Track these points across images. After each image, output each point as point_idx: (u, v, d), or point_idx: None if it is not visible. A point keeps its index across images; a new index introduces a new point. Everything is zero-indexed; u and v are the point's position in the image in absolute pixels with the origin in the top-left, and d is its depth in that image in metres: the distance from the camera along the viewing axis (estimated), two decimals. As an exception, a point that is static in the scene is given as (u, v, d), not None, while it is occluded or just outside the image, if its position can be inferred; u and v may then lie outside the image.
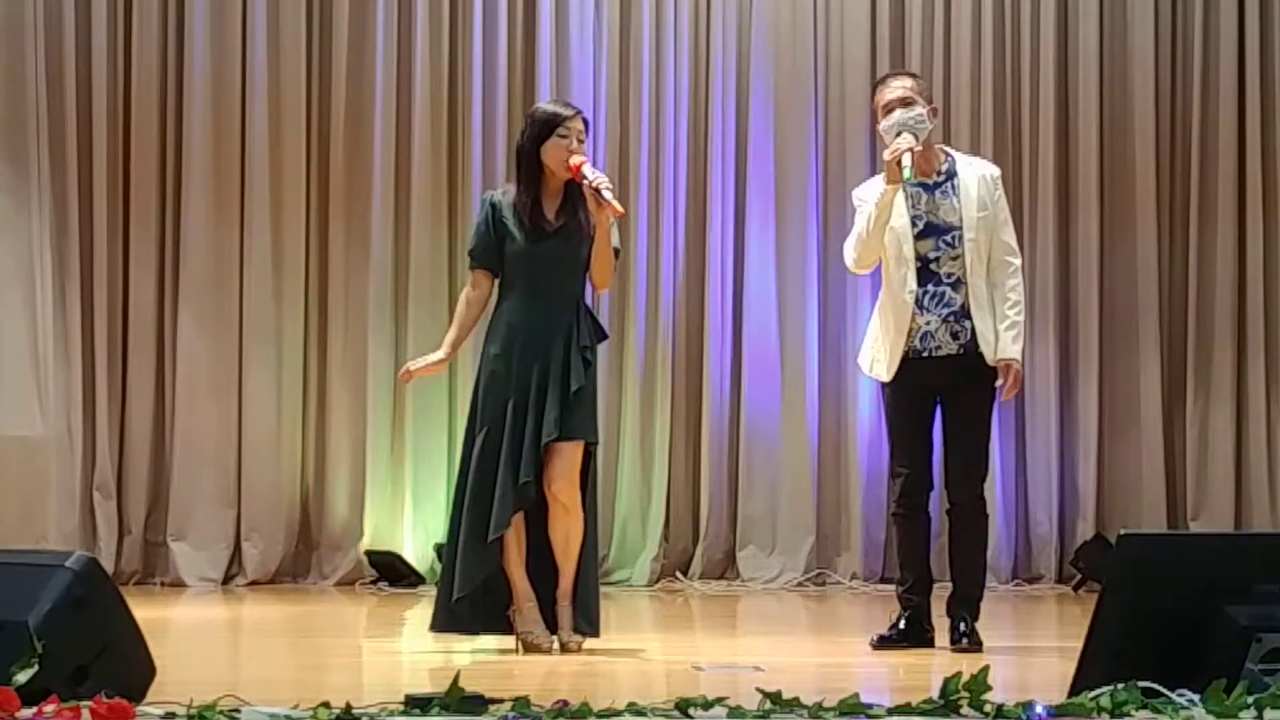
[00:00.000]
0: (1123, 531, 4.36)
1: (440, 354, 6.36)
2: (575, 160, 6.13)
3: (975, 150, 9.21)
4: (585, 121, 6.29)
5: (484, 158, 9.45)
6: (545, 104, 6.59)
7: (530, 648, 6.10)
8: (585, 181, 6.10)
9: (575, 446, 6.16)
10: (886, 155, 6.21)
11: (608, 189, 6.08)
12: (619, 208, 6.12)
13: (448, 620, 6.21)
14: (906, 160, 6.11)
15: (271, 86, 9.37)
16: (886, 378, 6.33)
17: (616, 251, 6.28)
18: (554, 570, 6.20)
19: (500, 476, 6.08)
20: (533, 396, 6.11)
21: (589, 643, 6.20)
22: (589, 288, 6.36)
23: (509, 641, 6.22)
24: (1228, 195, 9.57)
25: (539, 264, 6.19)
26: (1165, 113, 9.67)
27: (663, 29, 9.60)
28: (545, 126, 6.21)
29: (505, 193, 6.32)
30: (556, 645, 6.14)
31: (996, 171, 6.48)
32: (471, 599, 6.14)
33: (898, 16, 9.65)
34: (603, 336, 6.38)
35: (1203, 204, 9.61)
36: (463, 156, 9.49)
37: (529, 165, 6.23)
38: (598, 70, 9.54)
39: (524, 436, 6.10)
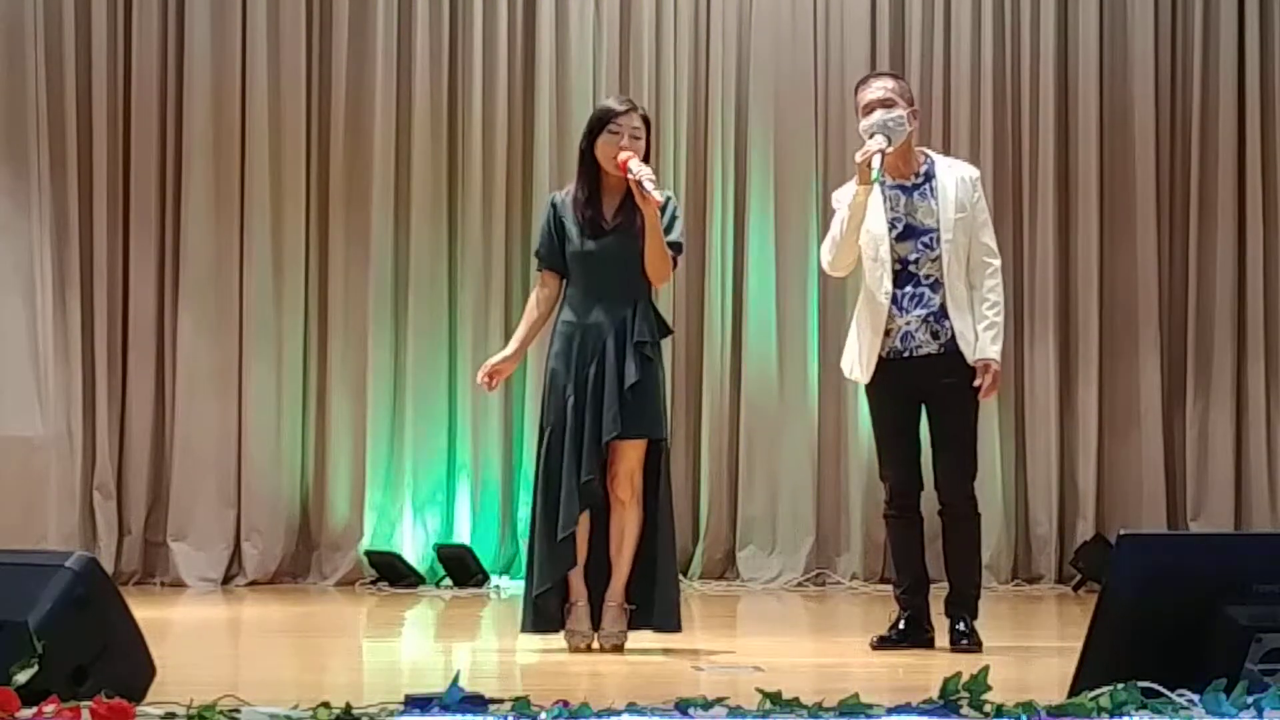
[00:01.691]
0: (1123, 531, 4.35)
1: (509, 350, 6.34)
2: (623, 156, 6.10)
3: (975, 152, 9.24)
4: (645, 118, 6.24)
5: (484, 158, 9.45)
6: (606, 99, 6.55)
7: (573, 648, 6.08)
8: (630, 176, 6.08)
9: (636, 445, 6.15)
10: (858, 157, 6.22)
11: (650, 180, 6.04)
12: (657, 198, 6.07)
13: (534, 620, 6.17)
14: (876, 162, 6.12)
15: (271, 86, 9.37)
16: (864, 380, 6.33)
17: (676, 245, 6.21)
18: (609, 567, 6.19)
19: (565, 475, 6.08)
20: (590, 394, 6.10)
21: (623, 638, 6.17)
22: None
23: (511, 641, 6.21)
24: (1228, 195, 9.57)
25: (596, 262, 6.17)
26: (1165, 113, 9.67)
27: (663, 29, 9.60)
28: (597, 123, 6.19)
29: (568, 192, 6.30)
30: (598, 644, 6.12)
31: (976, 173, 6.47)
32: (557, 596, 6.13)
33: (898, 16, 9.65)
34: (666, 332, 6.34)
35: (1203, 204, 9.61)
36: (463, 156, 9.49)
37: (585, 163, 6.23)
38: (598, 70, 9.54)
39: (584, 435, 6.09)
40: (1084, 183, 9.60)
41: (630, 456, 6.16)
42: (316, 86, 9.47)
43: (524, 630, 6.21)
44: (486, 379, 6.35)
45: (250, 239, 9.32)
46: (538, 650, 6.12)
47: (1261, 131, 9.58)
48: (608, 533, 6.19)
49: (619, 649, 6.10)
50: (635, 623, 6.19)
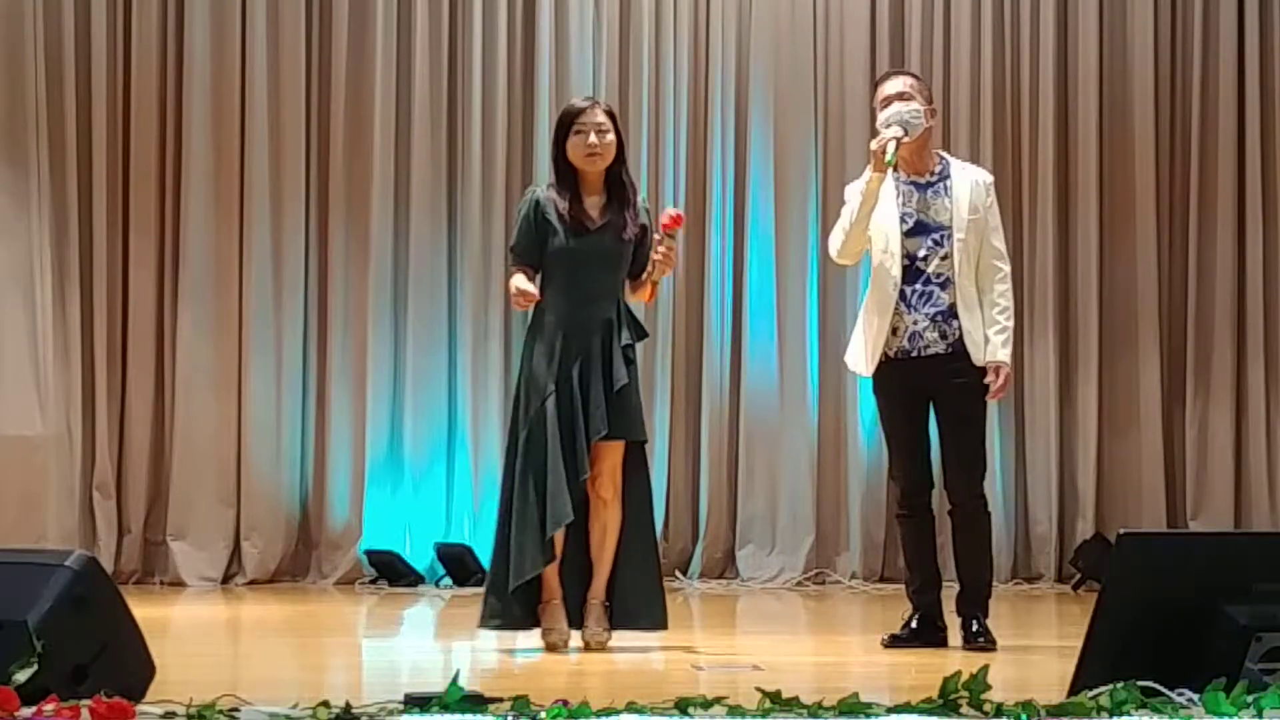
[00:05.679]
0: (1123, 531, 4.35)
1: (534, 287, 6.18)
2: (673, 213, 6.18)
3: (975, 151, 9.25)
4: (610, 112, 6.24)
5: (484, 158, 9.46)
6: (573, 100, 6.58)
7: (551, 646, 6.08)
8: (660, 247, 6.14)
9: (619, 445, 6.17)
10: (874, 145, 6.25)
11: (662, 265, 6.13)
12: (649, 291, 6.23)
13: (502, 618, 6.15)
14: (891, 148, 6.15)
15: (271, 86, 9.37)
16: (866, 373, 6.35)
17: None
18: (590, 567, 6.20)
19: (550, 473, 6.05)
20: (575, 393, 6.08)
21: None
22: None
23: (510, 641, 6.21)
24: (1228, 195, 9.58)
25: (580, 261, 6.15)
26: (1165, 113, 9.67)
27: (663, 29, 9.61)
28: (562, 124, 6.22)
29: (550, 189, 6.27)
30: (578, 642, 6.11)
31: (990, 178, 6.51)
32: (526, 593, 6.12)
33: (898, 16, 9.65)
34: (642, 335, 6.34)
35: (1203, 204, 9.61)
36: (463, 156, 9.49)
37: (559, 164, 6.24)
38: (598, 70, 9.54)
39: (573, 433, 6.07)
40: (1084, 183, 9.61)
41: (613, 456, 6.17)
42: (316, 86, 9.47)
43: (485, 627, 6.17)
44: (524, 299, 6.15)
45: (250, 239, 9.33)
46: (538, 650, 6.12)
47: (1261, 131, 9.59)
48: (585, 532, 6.19)
49: (603, 646, 6.11)
50: (614, 622, 6.20)
